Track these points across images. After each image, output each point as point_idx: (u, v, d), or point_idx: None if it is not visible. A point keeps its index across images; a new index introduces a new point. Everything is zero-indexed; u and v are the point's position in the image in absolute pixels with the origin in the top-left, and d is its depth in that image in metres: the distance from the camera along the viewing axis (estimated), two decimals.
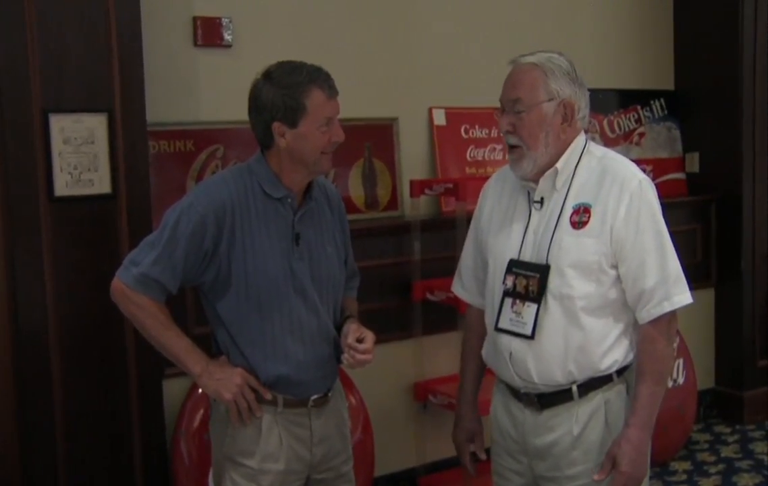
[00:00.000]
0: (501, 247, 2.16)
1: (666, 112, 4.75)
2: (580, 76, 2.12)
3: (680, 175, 4.78)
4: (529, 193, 2.14)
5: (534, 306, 2.06)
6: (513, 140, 2.09)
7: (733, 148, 4.53)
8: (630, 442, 2.02)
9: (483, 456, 2.34)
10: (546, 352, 2.06)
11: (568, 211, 2.07)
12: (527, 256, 2.10)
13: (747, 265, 4.59)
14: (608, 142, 4.46)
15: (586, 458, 2.07)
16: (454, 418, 2.38)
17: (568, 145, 2.10)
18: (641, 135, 4.66)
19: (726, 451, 4.31)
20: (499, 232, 2.18)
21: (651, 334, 2.05)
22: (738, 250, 4.58)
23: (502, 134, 2.12)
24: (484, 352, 2.26)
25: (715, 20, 4.56)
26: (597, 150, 2.15)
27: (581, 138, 2.13)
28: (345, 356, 2.14)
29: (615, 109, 4.57)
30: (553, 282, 2.04)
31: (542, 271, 2.05)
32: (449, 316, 3.56)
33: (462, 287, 2.38)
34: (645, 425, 2.04)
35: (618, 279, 2.05)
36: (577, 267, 2.03)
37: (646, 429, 2.04)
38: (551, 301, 2.05)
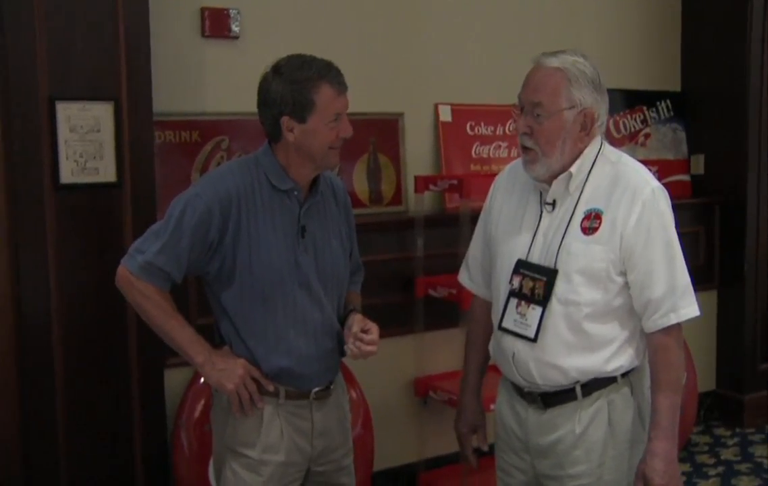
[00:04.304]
0: (509, 246, 2.13)
1: (672, 113, 4.74)
2: (603, 82, 2.06)
3: (685, 177, 4.76)
4: (541, 194, 2.11)
5: (539, 309, 2.04)
6: (529, 143, 2.04)
7: (739, 150, 4.52)
8: (658, 456, 2.00)
9: (486, 447, 2.34)
10: (548, 356, 2.05)
11: (580, 215, 2.04)
12: (535, 258, 2.07)
13: (750, 268, 4.58)
14: (613, 143, 4.38)
15: (588, 457, 2.07)
16: (457, 409, 2.37)
17: (584, 150, 2.07)
18: (647, 136, 4.65)
19: (726, 454, 4.30)
20: (508, 231, 2.15)
21: (665, 343, 2.03)
22: (741, 253, 4.57)
23: (518, 134, 2.07)
24: (490, 347, 2.26)
25: (723, 22, 4.54)
26: (612, 154, 2.11)
27: (597, 141, 2.09)
28: (350, 346, 2.13)
29: (621, 109, 4.55)
30: (560, 287, 2.02)
31: (549, 274, 2.03)
32: (451, 312, 3.56)
33: (469, 278, 2.36)
34: (669, 436, 2.01)
35: (625, 286, 2.03)
36: (584, 273, 2.01)
37: (670, 439, 2.02)
38: (556, 306, 2.03)
